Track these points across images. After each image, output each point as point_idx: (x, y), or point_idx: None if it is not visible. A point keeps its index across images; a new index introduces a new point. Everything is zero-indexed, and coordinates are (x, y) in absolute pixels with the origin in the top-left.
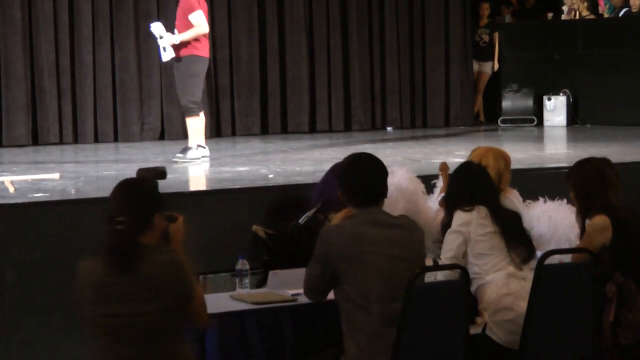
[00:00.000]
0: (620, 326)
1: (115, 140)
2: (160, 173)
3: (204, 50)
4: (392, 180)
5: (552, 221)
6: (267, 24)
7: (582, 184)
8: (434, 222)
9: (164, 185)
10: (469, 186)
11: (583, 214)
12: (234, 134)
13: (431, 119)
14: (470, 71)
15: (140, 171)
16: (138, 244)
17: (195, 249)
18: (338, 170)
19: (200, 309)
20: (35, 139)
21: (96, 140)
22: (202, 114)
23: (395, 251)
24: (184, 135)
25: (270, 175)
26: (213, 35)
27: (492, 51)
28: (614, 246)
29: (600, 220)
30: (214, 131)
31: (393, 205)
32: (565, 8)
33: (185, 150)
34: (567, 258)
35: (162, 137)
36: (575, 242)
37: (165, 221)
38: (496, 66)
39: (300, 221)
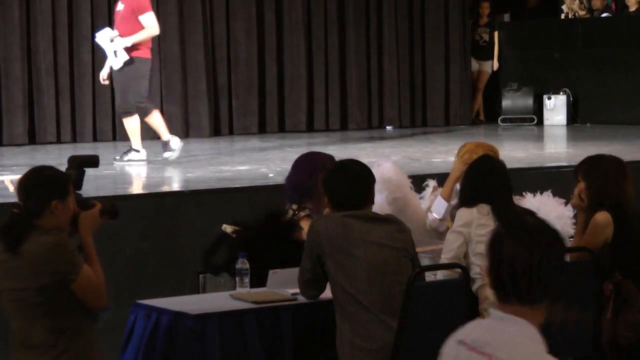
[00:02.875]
0: (619, 326)
1: (114, 139)
2: (88, 161)
3: (146, 52)
4: (376, 172)
5: (541, 213)
6: (265, 24)
7: (599, 176)
8: (423, 216)
9: (165, 184)
10: (475, 182)
11: (593, 208)
12: (232, 133)
13: (430, 118)
14: (469, 70)
15: (70, 157)
16: (29, 226)
17: (196, 249)
18: (323, 175)
19: (89, 291)
20: (33, 138)
21: (95, 139)
22: (157, 113)
23: (383, 240)
24: (184, 134)
25: (271, 175)
26: (212, 34)
27: (492, 50)
28: (614, 244)
29: (602, 217)
30: (212, 130)
31: (377, 196)
32: (564, 7)
33: (130, 151)
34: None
35: None
36: (562, 233)
37: (78, 207)
38: (496, 65)
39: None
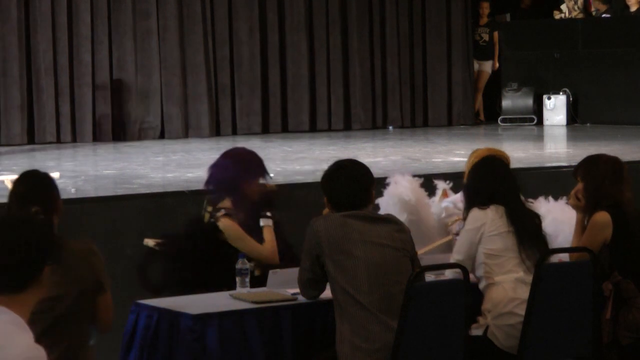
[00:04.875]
0: (619, 326)
1: (114, 139)
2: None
3: None
4: (395, 191)
5: (558, 222)
6: (267, 23)
7: (595, 177)
8: (435, 230)
9: (165, 184)
10: (490, 183)
11: (590, 209)
12: (235, 133)
13: (432, 118)
14: (471, 70)
15: None
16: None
17: None
18: (322, 176)
19: (109, 307)
20: (33, 138)
21: (94, 139)
22: None
23: (382, 240)
24: (185, 134)
25: (271, 175)
26: (213, 34)
27: (492, 50)
28: (613, 244)
29: (601, 217)
30: (214, 130)
31: (397, 216)
32: (563, 7)
33: None
34: (566, 257)
35: (162, 136)
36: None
37: None
38: (496, 65)
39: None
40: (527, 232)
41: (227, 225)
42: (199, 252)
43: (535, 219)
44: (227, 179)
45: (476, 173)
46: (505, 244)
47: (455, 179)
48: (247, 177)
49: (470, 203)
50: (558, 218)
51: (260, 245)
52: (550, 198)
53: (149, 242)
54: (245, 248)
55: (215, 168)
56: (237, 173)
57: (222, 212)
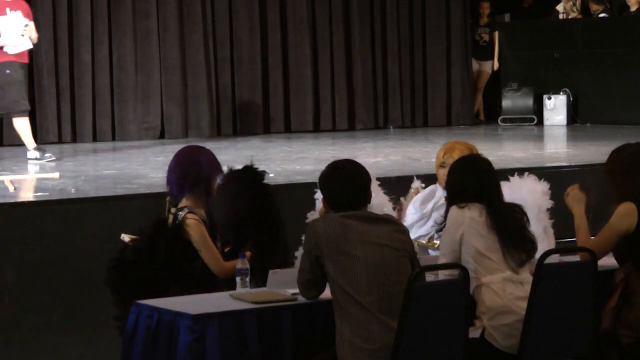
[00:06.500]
0: (620, 325)
1: (114, 139)
2: None
3: None
4: None
5: (518, 191)
6: (268, 23)
7: (613, 170)
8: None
9: (164, 185)
10: (469, 181)
11: (615, 201)
12: (235, 133)
13: (432, 118)
14: (470, 70)
15: None
16: None
17: None
18: (320, 176)
19: None
20: (35, 139)
21: (95, 139)
22: None
23: (382, 240)
24: (185, 134)
25: (271, 175)
26: (213, 34)
27: (492, 50)
28: (634, 235)
29: (625, 207)
30: (214, 130)
31: None
32: (560, 7)
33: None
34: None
35: (162, 136)
36: (541, 206)
37: None
38: (496, 65)
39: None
40: (510, 231)
41: (194, 225)
42: (166, 252)
43: (518, 214)
44: (202, 178)
45: (454, 173)
46: (487, 243)
47: None
48: (217, 172)
49: (451, 201)
50: (510, 195)
51: (219, 256)
52: (510, 177)
53: (125, 237)
54: (204, 248)
55: (173, 171)
56: (210, 170)
57: (186, 210)
